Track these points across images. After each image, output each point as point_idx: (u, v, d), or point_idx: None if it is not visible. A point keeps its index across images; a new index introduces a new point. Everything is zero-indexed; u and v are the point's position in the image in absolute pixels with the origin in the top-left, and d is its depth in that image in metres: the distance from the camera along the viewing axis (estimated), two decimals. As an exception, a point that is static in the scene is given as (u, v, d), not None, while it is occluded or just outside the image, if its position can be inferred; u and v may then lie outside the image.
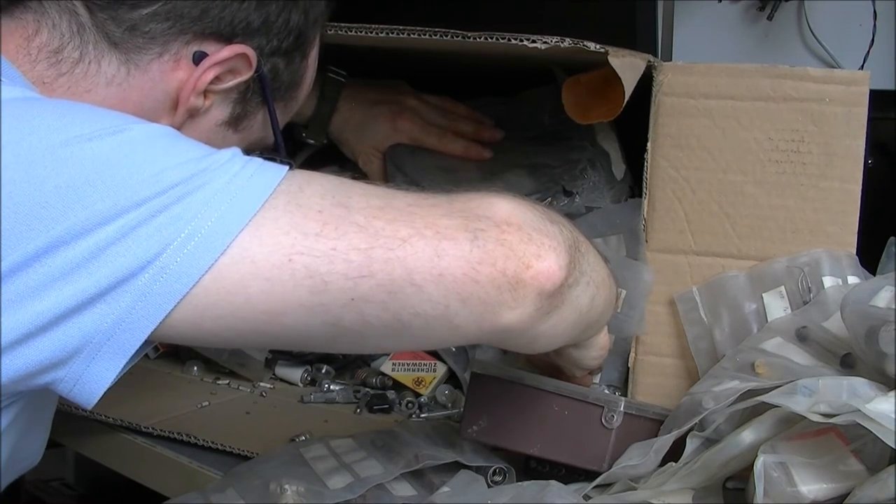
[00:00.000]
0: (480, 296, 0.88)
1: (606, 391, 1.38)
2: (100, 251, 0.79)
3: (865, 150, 1.24)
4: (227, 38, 1.04)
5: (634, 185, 1.49)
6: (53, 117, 0.83)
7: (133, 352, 0.82)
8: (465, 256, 0.87)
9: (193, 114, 1.05)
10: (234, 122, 1.10)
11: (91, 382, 0.83)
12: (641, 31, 1.28)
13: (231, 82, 1.06)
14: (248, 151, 0.96)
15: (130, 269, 0.80)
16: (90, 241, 0.79)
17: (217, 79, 1.05)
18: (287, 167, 0.88)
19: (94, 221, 0.79)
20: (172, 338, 0.85)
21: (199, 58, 1.03)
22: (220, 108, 1.08)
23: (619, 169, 1.46)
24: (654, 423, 1.21)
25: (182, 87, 1.03)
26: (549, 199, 1.47)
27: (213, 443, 1.38)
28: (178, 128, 1.03)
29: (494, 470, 1.23)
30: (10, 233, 0.78)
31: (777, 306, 1.23)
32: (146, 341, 0.82)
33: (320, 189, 0.87)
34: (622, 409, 1.17)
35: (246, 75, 1.07)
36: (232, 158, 0.86)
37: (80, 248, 0.79)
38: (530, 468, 1.24)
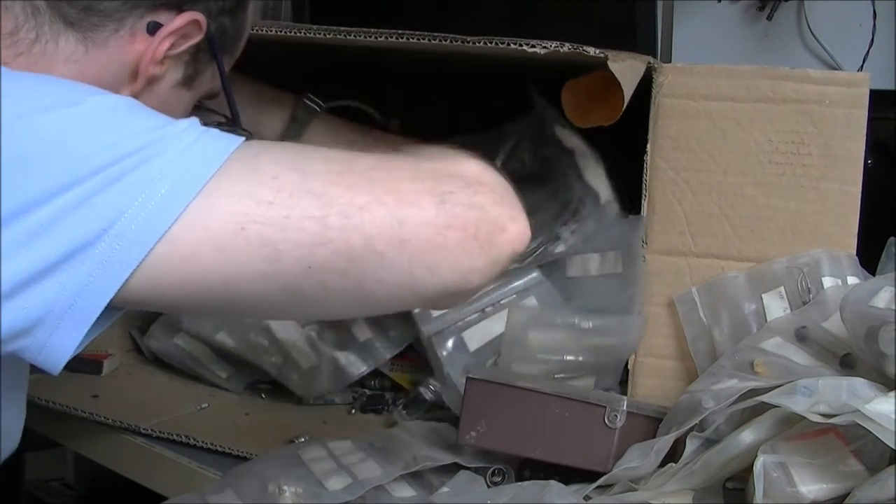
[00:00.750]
0: (449, 262, 0.87)
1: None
2: (57, 219, 0.79)
3: (865, 150, 1.24)
4: (177, 7, 1.05)
5: (630, 201, 1.49)
6: (12, 89, 0.83)
7: (94, 319, 0.82)
8: (431, 222, 0.85)
9: (152, 81, 1.06)
10: (188, 81, 1.10)
11: (55, 350, 0.82)
12: (641, 32, 1.28)
13: (184, 47, 1.07)
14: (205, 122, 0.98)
15: (87, 236, 0.80)
16: (48, 210, 0.79)
17: (171, 45, 1.05)
18: (244, 137, 0.87)
19: (50, 190, 0.79)
20: (134, 304, 0.84)
21: (153, 28, 1.03)
22: (174, 71, 1.08)
23: (610, 207, 1.44)
24: (653, 421, 1.21)
25: (140, 58, 1.03)
26: (544, 246, 1.46)
27: (212, 444, 1.38)
28: (137, 96, 1.03)
29: (493, 471, 1.22)
30: None
31: (776, 307, 1.23)
32: (108, 308, 0.82)
33: (277, 155, 0.87)
34: (625, 408, 1.17)
35: (197, 38, 1.07)
36: (188, 128, 0.85)
37: (38, 216, 0.79)
38: (524, 478, 1.23)
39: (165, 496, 1.32)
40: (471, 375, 1.25)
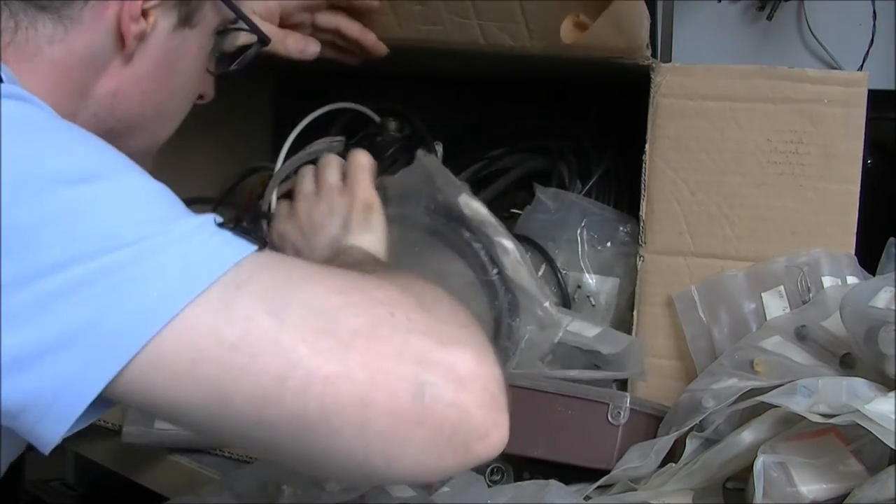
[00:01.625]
0: (410, 458, 0.79)
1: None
2: (49, 302, 0.76)
3: (865, 150, 1.24)
4: None
5: (629, 201, 1.49)
6: (38, 147, 0.82)
7: (79, 414, 0.78)
8: (400, 413, 0.77)
9: (142, 38, 1.02)
10: (186, 21, 1.06)
11: (42, 436, 0.79)
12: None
13: None
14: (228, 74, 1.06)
15: (74, 328, 0.76)
16: (36, 289, 0.76)
17: None
18: (251, 248, 0.82)
19: (45, 267, 0.76)
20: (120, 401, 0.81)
21: None
22: (165, 18, 1.04)
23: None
24: (653, 420, 1.21)
25: (119, 21, 1.00)
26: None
27: (212, 450, 1.38)
28: (132, 58, 1.02)
29: (492, 469, 1.22)
30: None
31: (776, 306, 1.23)
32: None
33: (261, 288, 0.79)
34: (628, 404, 1.17)
35: None
36: (195, 229, 0.81)
37: (28, 293, 0.76)
38: (524, 479, 1.22)
39: (165, 496, 1.32)
40: None
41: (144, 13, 1.01)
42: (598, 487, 1.15)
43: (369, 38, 1.40)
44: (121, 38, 1.01)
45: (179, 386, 0.78)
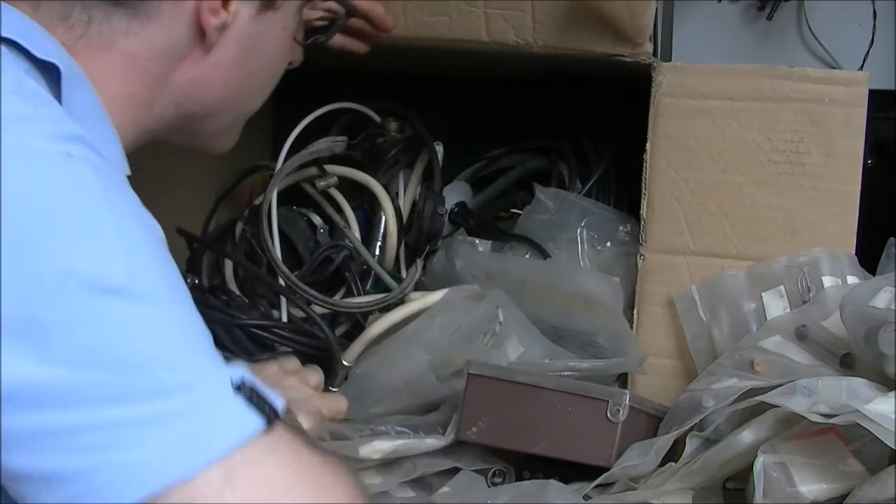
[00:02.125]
0: None
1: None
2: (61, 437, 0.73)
3: (865, 150, 1.24)
4: None
5: (629, 201, 1.49)
6: (77, 238, 0.77)
7: None
8: None
9: (224, 29, 1.02)
10: (269, 4, 1.05)
11: None
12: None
13: None
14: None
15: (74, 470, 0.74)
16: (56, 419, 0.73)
17: None
18: (256, 428, 0.78)
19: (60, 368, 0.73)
20: None
21: None
22: (246, 6, 1.03)
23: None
24: (654, 419, 1.21)
25: (198, 13, 1.00)
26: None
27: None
28: (212, 49, 1.01)
29: (494, 472, 1.22)
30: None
31: (776, 306, 1.23)
32: None
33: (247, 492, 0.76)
34: (627, 402, 1.17)
35: None
36: (212, 396, 0.77)
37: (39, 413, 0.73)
38: (524, 479, 1.22)
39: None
40: (471, 371, 1.23)
41: (225, 4, 1.00)
42: (598, 486, 1.15)
43: (377, 10, 1.39)
44: (200, 30, 1.00)
45: None
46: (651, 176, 1.32)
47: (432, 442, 1.22)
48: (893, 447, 0.93)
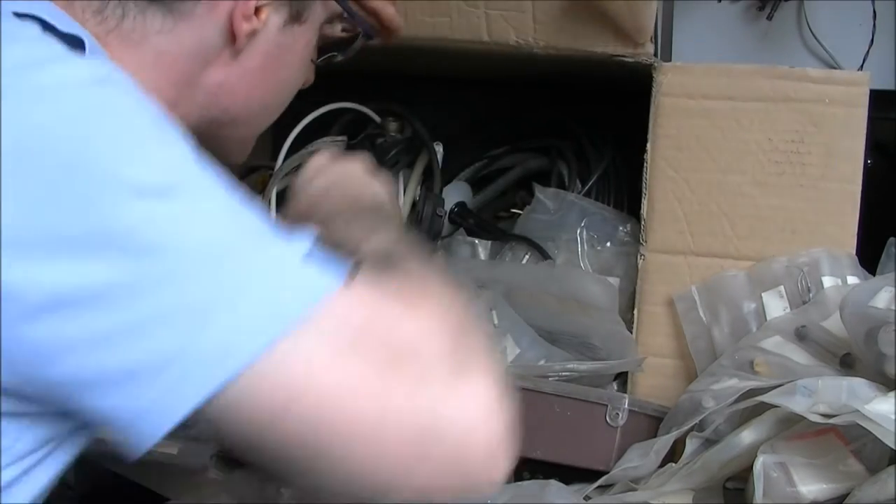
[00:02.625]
0: (414, 487, 0.81)
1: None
2: (155, 318, 0.76)
3: (865, 150, 1.24)
4: None
5: (630, 200, 1.49)
6: (123, 150, 0.79)
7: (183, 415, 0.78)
8: (406, 448, 0.80)
9: (253, 36, 1.03)
10: (296, 17, 1.07)
11: (126, 449, 0.80)
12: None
13: None
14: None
15: (169, 351, 0.76)
16: (147, 305, 0.75)
17: None
18: (331, 287, 0.80)
19: (153, 278, 0.76)
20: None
21: None
22: (277, 15, 1.05)
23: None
24: (654, 420, 1.21)
25: (231, 18, 1.01)
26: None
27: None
28: (240, 53, 1.03)
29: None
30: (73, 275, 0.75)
31: (776, 306, 1.23)
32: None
33: (325, 329, 0.79)
34: (626, 406, 1.17)
35: None
36: (282, 258, 0.81)
37: (136, 309, 0.76)
38: (523, 479, 1.22)
39: (166, 497, 1.32)
40: None
41: (256, 11, 1.02)
42: (599, 487, 1.15)
43: (388, 11, 1.39)
44: (231, 34, 1.01)
45: (239, 416, 0.78)
46: (651, 176, 1.32)
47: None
48: (893, 447, 0.93)
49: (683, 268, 1.31)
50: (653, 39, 1.31)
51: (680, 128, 1.31)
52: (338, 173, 1.19)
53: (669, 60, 1.45)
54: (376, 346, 0.80)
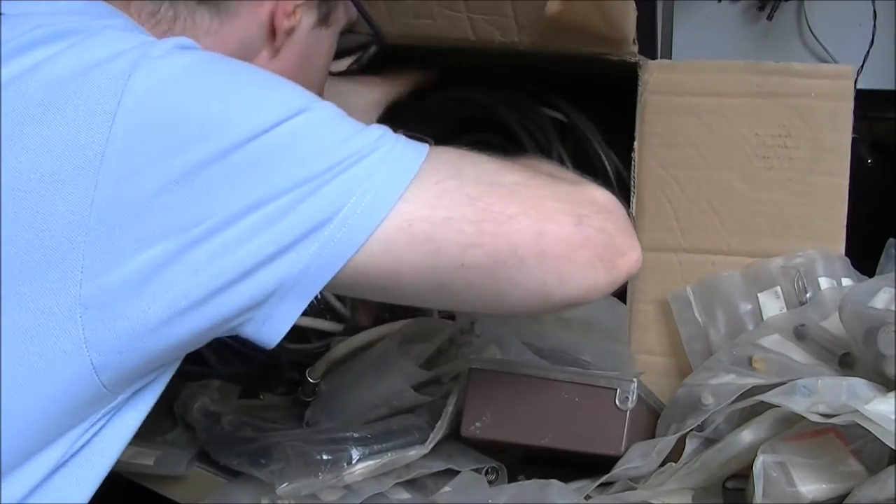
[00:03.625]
0: (578, 277, 0.95)
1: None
2: (292, 207, 0.88)
3: (865, 150, 1.24)
4: None
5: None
6: (244, 99, 0.91)
7: (315, 293, 0.92)
8: (567, 238, 0.94)
9: (290, 33, 1.12)
10: (324, 20, 1.16)
11: (278, 321, 0.92)
12: (641, 32, 1.28)
13: None
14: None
15: (316, 221, 0.88)
16: (283, 202, 0.87)
17: None
18: (425, 147, 0.95)
19: (285, 187, 0.88)
20: (338, 288, 0.95)
21: None
22: (308, 16, 1.13)
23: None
24: (653, 413, 1.22)
25: (272, 16, 1.10)
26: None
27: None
28: (280, 51, 1.12)
29: (486, 469, 1.22)
30: (217, 193, 0.86)
31: (773, 306, 1.23)
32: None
33: (442, 168, 0.94)
34: (635, 388, 1.16)
35: None
36: (384, 135, 0.94)
37: (277, 205, 0.87)
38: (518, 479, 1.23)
39: (167, 498, 1.32)
40: (474, 365, 1.23)
41: (294, 9, 1.11)
42: (598, 486, 1.15)
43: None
44: (271, 33, 1.10)
45: (391, 249, 0.92)
46: (640, 174, 1.33)
47: (415, 453, 1.22)
48: (893, 447, 0.94)
49: (675, 265, 1.31)
50: (636, 41, 1.31)
51: (667, 125, 1.32)
52: None
53: (670, 59, 1.45)
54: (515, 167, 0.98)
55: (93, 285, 0.84)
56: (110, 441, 0.94)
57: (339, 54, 1.27)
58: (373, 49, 1.27)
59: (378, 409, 1.33)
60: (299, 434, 1.30)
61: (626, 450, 1.15)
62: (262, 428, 1.33)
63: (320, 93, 1.21)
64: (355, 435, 1.22)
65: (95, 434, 0.93)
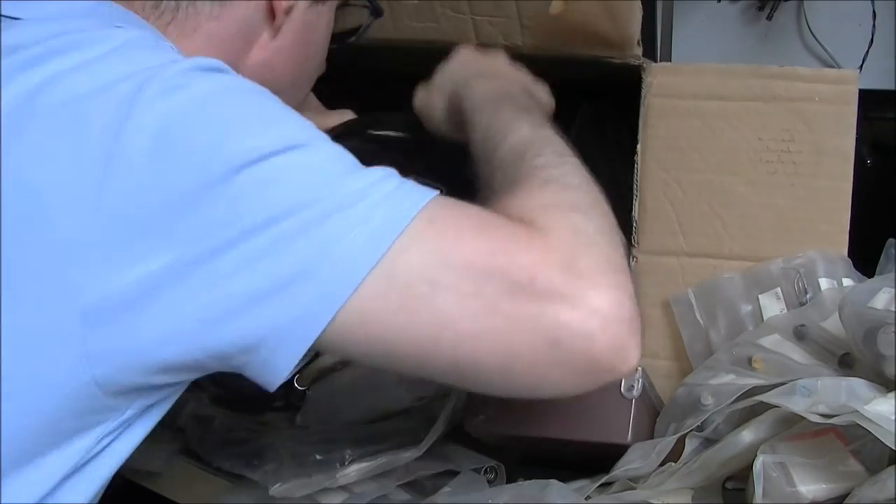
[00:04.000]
0: (549, 388, 0.91)
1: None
2: (284, 241, 0.85)
3: (865, 149, 1.24)
4: None
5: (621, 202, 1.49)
6: (248, 127, 0.90)
7: (309, 342, 0.88)
8: (537, 361, 0.88)
9: (289, 12, 1.12)
10: None
11: (276, 368, 0.89)
12: (642, 32, 1.28)
13: None
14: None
15: (308, 261, 0.86)
16: (276, 231, 0.85)
17: None
18: (425, 198, 0.91)
19: (279, 214, 0.86)
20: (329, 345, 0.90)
21: None
22: None
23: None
24: (654, 409, 1.21)
25: None
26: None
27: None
28: (279, 30, 1.12)
29: (485, 469, 1.22)
30: (210, 217, 0.85)
31: (773, 308, 1.23)
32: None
33: (418, 257, 0.88)
34: (641, 376, 1.16)
35: None
36: (386, 177, 0.91)
37: (269, 236, 0.85)
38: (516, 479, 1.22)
39: (168, 499, 1.32)
40: None
41: None
42: (598, 486, 1.15)
43: None
44: (271, 13, 1.11)
45: (355, 340, 0.89)
46: (642, 177, 1.33)
47: (409, 455, 1.22)
48: (893, 447, 0.94)
49: (676, 269, 1.31)
50: (640, 42, 1.31)
51: (670, 128, 1.32)
52: (484, 64, 1.30)
53: (669, 60, 1.45)
54: (494, 269, 0.88)
55: (93, 298, 0.84)
56: (118, 454, 0.94)
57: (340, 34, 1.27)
58: (371, 21, 1.28)
59: (371, 411, 1.33)
60: (293, 435, 1.31)
61: (633, 438, 1.15)
62: (254, 429, 1.34)
63: (322, 68, 1.24)
64: (349, 436, 1.23)
65: (106, 446, 0.93)
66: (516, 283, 0.88)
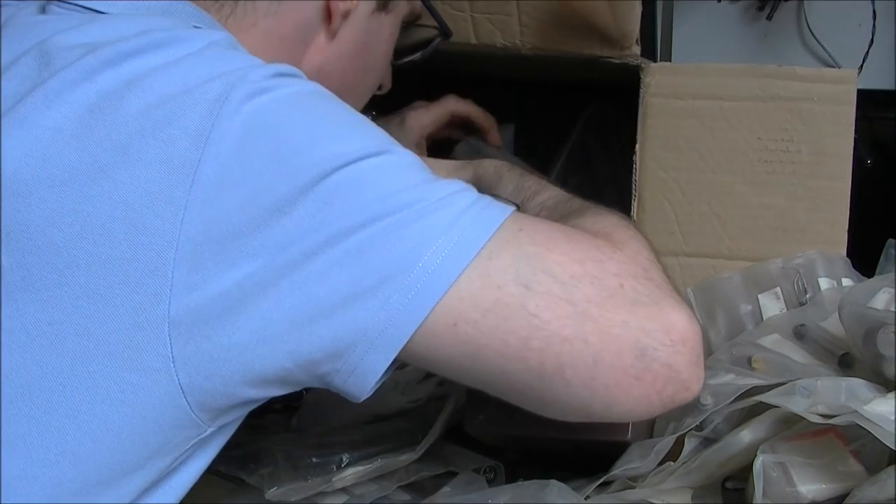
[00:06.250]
0: (626, 405, 0.92)
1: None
2: (370, 244, 0.86)
3: (865, 149, 1.24)
4: None
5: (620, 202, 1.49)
6: (333, 132, 0.90)
7: (402, 346, 0.89)
8: (624, 371, 0.90)
9: (347, 16, 1.12)
10: (383, 6, 1.16)
11: (364, 374, 0.90)
12: (641, 32, 1.28)
13: None
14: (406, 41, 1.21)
15: (397, 265, 0.87)
16: (364, 234, 0.86)
17: None
18: (506, 212, 0.93)
19: (366, 219, 0.86)
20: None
21: None
22: (365, 2, 1.14)
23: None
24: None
25: None
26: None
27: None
28: (336, 33, 1.12)
29: (485, 469, 1.22)
30: (300, 222, 0.86)
31: (773, 307, 1.23)
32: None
33: (510, 261, 0.90)
34: None
35: None
36: (462, 190, 0.92)
37: (356, 240, 0.86)
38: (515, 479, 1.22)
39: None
40: None
41: None
42: (598, 486, 1.15)
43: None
44: (328, 15, 1.11)
45: (433, 342, 0.90)
46: (641, 177, 1.33)
47: (406, 457, 1.22)
48: (893, 448, 0.94)
49: (675, 269, 1.31)
50: (638, 41, 1.31)
51: (669, 128, 1.32)
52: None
53: (669, 60, 1.45)
54: (585, 275, 0.91)
55: (180, 303, 0.84)
56: (190, 473, 0.97)
57: (405, 49, 1.28)
58: (436, 43, 1.27)
59: (366, 414, 1.33)
60: (289, 438, 1.30)
61: (633, 436, 1.14)
62: (250, 432, 1.33)
63: (381, 79, 1.24)
64: (345, 439, 1.22)
65: (182, 463, 0.95)
66: (606, 289, 0.90)
